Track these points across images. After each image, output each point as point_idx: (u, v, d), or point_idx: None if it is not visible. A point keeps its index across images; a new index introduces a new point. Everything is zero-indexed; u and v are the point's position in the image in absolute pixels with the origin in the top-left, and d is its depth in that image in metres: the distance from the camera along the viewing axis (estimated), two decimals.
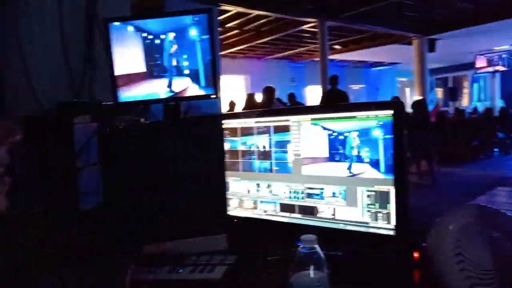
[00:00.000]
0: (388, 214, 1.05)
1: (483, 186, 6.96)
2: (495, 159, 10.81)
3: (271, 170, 1.25)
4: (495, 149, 11.48)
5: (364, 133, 1.08)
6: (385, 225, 1.05)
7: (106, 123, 1.80)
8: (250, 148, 1.30)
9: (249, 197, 1.31)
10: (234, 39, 12.29)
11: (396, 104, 1.04)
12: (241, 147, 1.33)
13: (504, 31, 12.59)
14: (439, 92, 21.88)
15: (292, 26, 11.06)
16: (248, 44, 12.87)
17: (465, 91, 21.35)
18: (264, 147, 1.27)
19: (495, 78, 18.90)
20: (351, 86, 19.46)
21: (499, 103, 18.21)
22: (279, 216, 1.24)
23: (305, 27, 11.11)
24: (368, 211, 1.08)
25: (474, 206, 0.96)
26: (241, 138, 1.32)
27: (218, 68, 1.93)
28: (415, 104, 7.52)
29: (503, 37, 13.84)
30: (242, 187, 1.33)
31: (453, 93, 21.20)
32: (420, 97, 12.77)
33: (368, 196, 1.08)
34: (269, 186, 1.26)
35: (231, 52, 13.76)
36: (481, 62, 17.19)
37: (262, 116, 1.29)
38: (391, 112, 1.03)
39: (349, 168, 1.11)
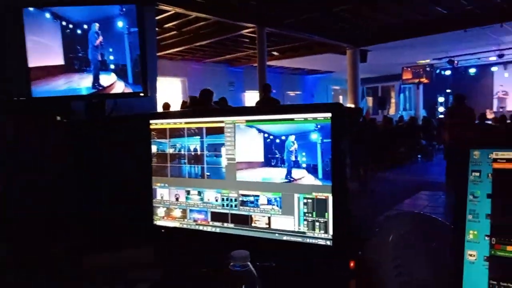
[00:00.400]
0: (325, 223, 0.99)
1: (409, 190, 7.39)
2: (419, 164, 11.55)
3: (202, 176, 1.15)
4: (418, 155, 12.26)
5: (302, 137, 1.02)
6: (323, 235, 0.99)
7: (17, 120, 1.60)
8: (179, 151, 1.19)
9: (177, 205, 1.19)
10: (172, 40, 12.00)
11: (335, 106, 0.99)
12: (170, 150, 1.21)
13: (427, 46, 13.56)
14: (370, 101, 23.06)
15: (232, 31, 11.03)
16: (187, 46, 12.63)
17: (393, 100, 22.70)
18: (195, 150, 1.16)
19: (419, 89, 20.28)
20: (288, 92, 19.88)
21: (422, 113, 19.57)
22: (210, 226, 1.14)
23: (244, 32, 11.13)
24: (305, 220, 1.01)
25: (412, 214, 0.93)
26: (170, 140, 1.21)
27: (150, 65, 1.80)
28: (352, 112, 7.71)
29: (426, 51, 14.90)
30: (170, 195, 1.21)
31: (382, 102, 22.44)
32: (353, 105, 13.34)
33: (305, 203, 1.01)
34: (200, 193, 1.15)
35: (169, 54, 13.43)
36: (407, 74, 18.35)
37: (194, 117, 1.18)
38: (330, 115, 0.98)
39: (286, 173, 1.04)
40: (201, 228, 1.15)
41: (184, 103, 9.58)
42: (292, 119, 1.03)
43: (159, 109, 8.79)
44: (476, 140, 0.82)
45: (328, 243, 0.99)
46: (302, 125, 1.01)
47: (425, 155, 12.32)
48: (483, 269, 0.76)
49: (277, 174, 1.05)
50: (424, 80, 18.08)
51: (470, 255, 0.78)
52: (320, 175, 1.00)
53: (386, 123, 13.22)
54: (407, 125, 13.65)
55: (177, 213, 1.19)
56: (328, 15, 9.95)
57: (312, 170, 1.01)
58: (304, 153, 1.02)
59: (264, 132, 1.07)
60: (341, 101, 20.56)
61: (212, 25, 10.51)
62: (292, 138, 1.03)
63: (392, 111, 21.98)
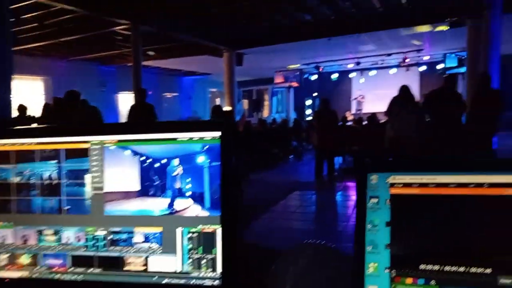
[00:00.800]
0: (213, 260, 0.85)
1: (283, 190, 7.71)
2: (291, 164, 12.22)
3: (59, 211, 0.92)
4: (290, 156, 12.99)
5: (186, 160, 0.87)
6: (210, 274, 0.86)
7: None
8: (29, 180, 0.94)
9: (26, 249, 0.93)
10: (32, 34, 10.63)
11: (224, 125, 0.86)
12: (15, 179, 0.94)
13: (297, 52, 14.49)
14: (245, 103, 23.82)
15: (103, 27, 10.23)
16: (50, 41, 11.34)
17: (266, 103, 23.80)
18: (50, 178, 0.93)
19: (289, 92, 21.60)
20: (165, 94, 19.37)
21: (293, 115, 20.90)
22: (70, 273, 0.91)
23: (117, 28, 10.43)
24: (190, 258, 0.86)
25: (310, 246, 0.85)
26: (16, 165, 0.94)
27: (1, 61, 1.45)
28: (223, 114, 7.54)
29: (296, 57, 15.93)
30: (16, 236, 0.94)
31: (256, 105, 23.39)
32: (230, 108, 13.54)
33: (190, 239, 0.87)
34: (56, 232, 0.92)
35: (28, 48, 11.89)
36: (279, 78, 19.40)
37: (49, 135, 0.94)
38: (219, 134, 0.85)
39: (168, 204, 0.88)
40: (57, 276, 0.91)
41: (46, 106, 8.56)
42: (174, 139, 0.87)
43: (14, 113, 7.72)
44: (373, 163, 0.77)
45: (217, 282, 0.86)
46: (187, 146, 0.86)
47: (297, 156, 13.12)
48: None
49: (156, 205, 0.88)
50: (294, 84, 19.31)
51: None
52: (207, 204, 0.86)
53: (261, 125, 13.74)
54: (280, 127, 14.38)
55: (24, 259, 0.93)
56: (205, 17, 9.89)
57: (199, 199, 0.87)
58: (189, 179, 0.87)
59: (140, 155, 0.89)
60: (218, 103, 20.85)
61: (80, 19, 9.59)
62: (175, 161, 0.87)
63: (266, 113, 23.02)
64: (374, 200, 0.75)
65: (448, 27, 10.48)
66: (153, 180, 0.88)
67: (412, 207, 0.73)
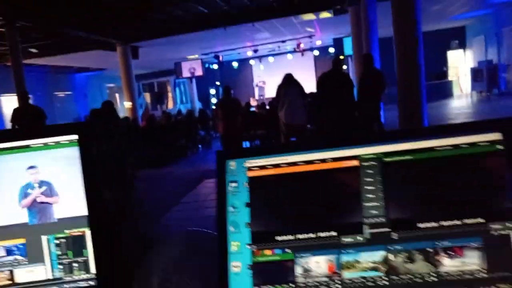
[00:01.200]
0: (85, 261, 0.84)
1: (194, 180, 7.71)
2: (200, 154, 12.21)
3: None
4: (199, 146, 12.96)
5: (42, 166, 0.84)
6: (83, 276, 0.85)
7: None
8: None
9: None
10: None
11: (81, 126, 0.84)
12: None
13: (195, 42, 14.37)
14: (147, 97, 23.05)
15: None
16: None
17: (170, 95, 23.29)
18: None
19: (192, 83, 21.37)
20: (57, 93, 17.95)
21: (198, 105, 20.77)
22: None
23: None
24: (60, 264, 0.84)
25: (180, 233, 0.88)
26: None
27: None
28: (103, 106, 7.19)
29: (195, 47, 15.78)
30: None
31: (159, 98, 22.79)
32: (130, 103, 13.03)
33: (58, 245, 0.84)
34: None
35: None
36: (180, 69, 19.02)
37: None
38: (76, 137, 0.83)
39: (29, 213, 0.84)
40: None
41: None
42: (27, 146, 0.83)
43: None
44: (231, 151, 0.82)
45: (92, 283, 0.85)
46: (41, 153, 0.83)
47: (205, 145, 13.13)
48: (247, 278, 0.77)
49: (17, 216, 0.84)
50: (196, 74, 19.10)
51: (235, 266, 0.78)
52: (72, 207, 0.84)
53: (165, 117, 13.45)
54: (186, 118, 14.21)
55: None
56: (91, 9, 9.29)
57: (61, 203, 0.84)
58: (50, 184, 0.84)
59: None
60: (117, 99, 19.91)
61: None
62: (32, 169, 0.84)
63: (170, 105, 22.55)
64: (234, 184, 0.81)
65: (332, 15, 11.25)
66: (10, 189, 0.84)
67: (268, 187, 0.80)
